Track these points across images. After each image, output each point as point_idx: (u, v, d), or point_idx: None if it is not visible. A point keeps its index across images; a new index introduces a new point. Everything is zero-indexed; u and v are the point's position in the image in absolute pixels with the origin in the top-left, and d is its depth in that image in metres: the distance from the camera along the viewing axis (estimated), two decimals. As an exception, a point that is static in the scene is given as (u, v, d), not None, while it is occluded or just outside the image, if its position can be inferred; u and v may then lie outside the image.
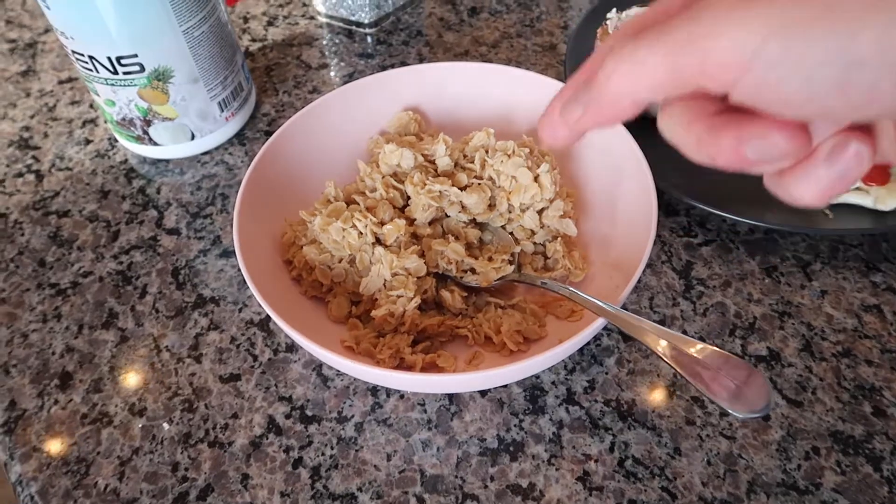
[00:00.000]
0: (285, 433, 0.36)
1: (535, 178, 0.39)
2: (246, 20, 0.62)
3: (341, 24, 0.60)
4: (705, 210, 0.41)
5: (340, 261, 0.38)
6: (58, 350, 0.40)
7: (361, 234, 0.38)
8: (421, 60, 0.56)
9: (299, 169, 0.43)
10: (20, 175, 0.50)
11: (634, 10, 0.52)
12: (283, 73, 0.56)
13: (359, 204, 0.40)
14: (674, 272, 0.41)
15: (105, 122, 0.54)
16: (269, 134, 0.51)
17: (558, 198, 0.40)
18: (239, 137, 0.51)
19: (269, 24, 0.61)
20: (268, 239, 0.40)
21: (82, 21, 0.41)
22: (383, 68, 0.56)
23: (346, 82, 0.55)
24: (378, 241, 0.38)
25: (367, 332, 0.37)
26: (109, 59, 0.43)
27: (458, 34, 0.59)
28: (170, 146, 0.48)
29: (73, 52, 0.43)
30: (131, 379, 0.39)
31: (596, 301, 0.33)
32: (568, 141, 0.21)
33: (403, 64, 0.56)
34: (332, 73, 0.56)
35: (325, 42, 0.59)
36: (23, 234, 0.47)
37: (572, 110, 0.20)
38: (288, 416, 0.37)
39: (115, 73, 0.43)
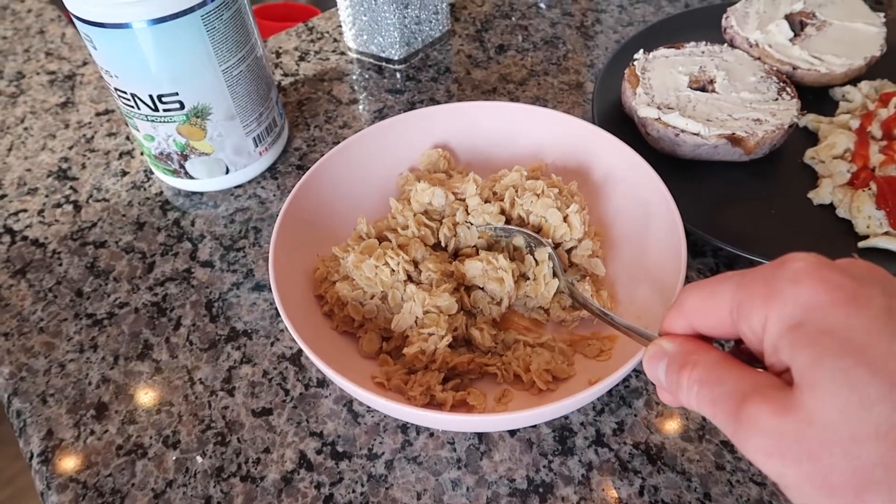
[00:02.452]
0: (316, 469, 0.36)
1: (565, 218, 0.40)
2: (278, 55, 0.64)
3: (371, 60, 0.61)
4: (732, 252, 0.41)
5: (372, 297, 0.39)
6: (94, 380, 0.41)
7: (394, 271, 0.38)
8: (449, 97, 0.58)
9: (331, 205, 0.44)
10: (59, 205, 0.52)
11: (661, 51, 0.53)
12: (315, 107, 0.58)
13: (391, 241, 0.40)
14: (702, 314, 0.41)
15: (141, 153, 0.55)
16: (300, 168, 0.53)
17: (587, 237, 0.40)
18: (271, 171, 0.52)
19: (301, 59, 0.63)
20: (300, 274, 0.40)
21: (127, 61, 0.42)
22: (412, 104, 0.57)
23: (375, 118, 0.56)
24: (410, 278, 0.39)
25: (398, 369, 0.37)
26: (151, 97, 0.44)
27: (485, 71, 0.60)
28: (205, 180, 0.50)
29: (117, 89, 0.45)
30: (165, 411, 0.39)
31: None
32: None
33: (432, 100, 0.57)
34: (362, 109, 0.57)
35: (355, 77, 0.61)
36: (61, 264, 0.48)
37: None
38: (319, 452, 0.37)
39: (156, 110, 0.45)
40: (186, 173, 0.49)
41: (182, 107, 0.45)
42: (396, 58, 0.60)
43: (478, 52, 0.62)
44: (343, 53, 0.63)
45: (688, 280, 0.43)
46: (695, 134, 0.46)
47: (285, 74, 0.61)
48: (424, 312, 0.37)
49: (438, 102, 0.57)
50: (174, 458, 0.37)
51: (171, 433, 0.38)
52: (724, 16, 0.57)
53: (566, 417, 0.37)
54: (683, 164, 0.48)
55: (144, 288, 0.46)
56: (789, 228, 0.44)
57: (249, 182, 0.52)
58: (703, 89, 0.50)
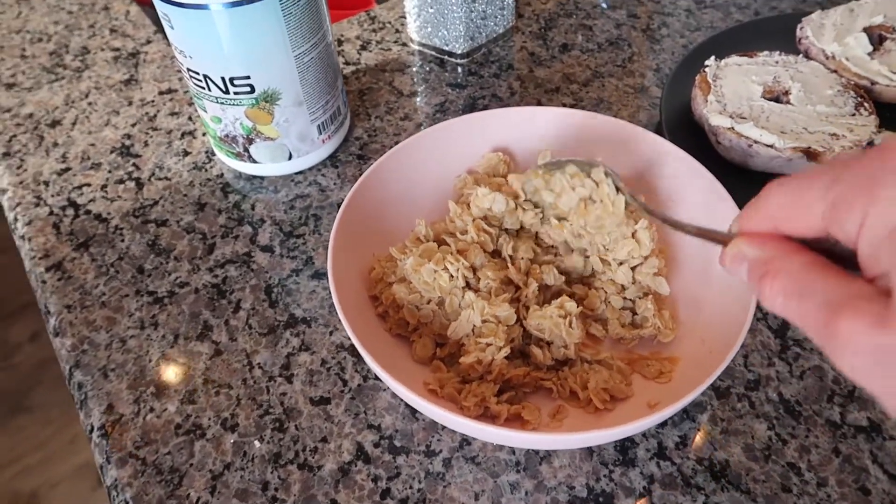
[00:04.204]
0: (374, 462, 0.36)
1: (633, 234, 0.39)
2: (340, 43, 0.64)
3: (433, 53, 0.61)
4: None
5: (429, 302, 0.39)
6: (154, 358, 0.41)
7: (453, 277, 0.38)
8: (511, 94, 0.57)
9: (389, 205, 0.43)
10: (121, 182, 0.52)
11: (734, 59, 0.52)
12: (376, 97, 0.58)
13: (449, 245, 0.40)
14: (769, 331, 0.40)
15: (203, 134, 0.55)
16: (360, 158, 0.52)
17: (654, 255, 0.40)
18: (332, 159, 0.52)
19: (363, 48, 0.63)
20: (356, 272, 0.40)
21: (202, 42, 0.42)
22: (473, 99, 0.57)
23: (436, 111, 0.56)
24: (469, 285, 0.39)
25: (451, 377, 0.37)
26: (223, 79, 0.44)
27: (548, 70, 0.59)
28: (268, 164, 0.50)
29: (189, 69, 0.45)
30: (224, 393, 0.40)
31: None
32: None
33: (494, 96, 0.57)
34: (423, 101, 0.57)
35: (416, 69, 0.60)
36: (123, 240, 0.48)
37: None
38: (377, 445, 0.37)
39: (227, 92, 0.45)
40: (250, 157, 0.49)
41: (252, 90, 0.45)
42: (459, 52, 0.59)
43: (541, 50, 0.61)
44: (405, 45, 0.63)
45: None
46: (769, 146, 0.45)
47: (347, 63, 0.61)
48: (483, 321, 0.37)
49: (500, 99, 0.57)
50: (232, 440, 0.38)
51: (230, 416, 0.39)
52: (800, 26, 0.55)
53: (627, 427, 0.37)
54: (755, 176, 0.47)
55: (205, 269, 0.46)
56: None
57: (310, 169, 0.52)
58: (777, 100, 0.49)
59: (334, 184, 0.51)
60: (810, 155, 0.44)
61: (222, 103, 0.46)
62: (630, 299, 0.40)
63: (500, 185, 0.43)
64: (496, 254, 0.41)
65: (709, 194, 0.40)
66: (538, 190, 0.40)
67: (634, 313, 0.40)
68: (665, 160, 0.43)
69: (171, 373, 0.41)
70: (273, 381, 0.40)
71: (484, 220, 0.42)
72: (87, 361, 0.41)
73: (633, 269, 0.40)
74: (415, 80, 0.59)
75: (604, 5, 0.66)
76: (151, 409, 0.39)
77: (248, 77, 0.44)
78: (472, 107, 0.56)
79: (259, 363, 0.41)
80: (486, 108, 0.56)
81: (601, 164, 0.38)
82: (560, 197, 0.39)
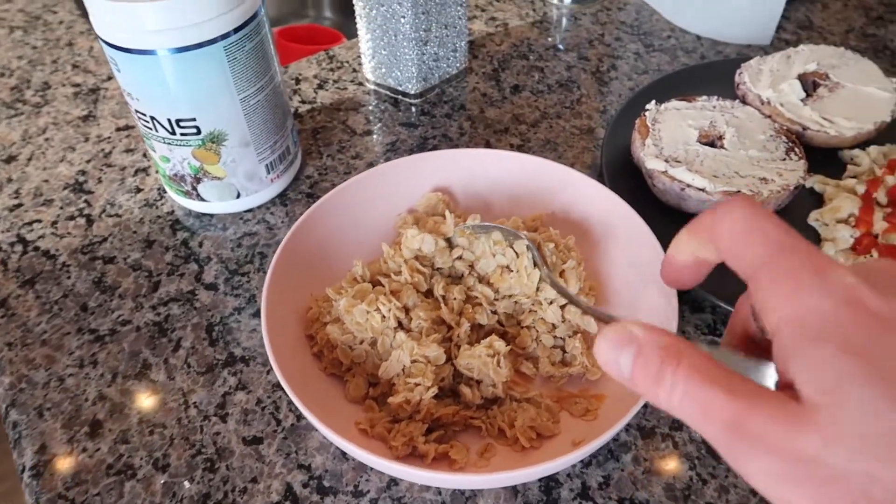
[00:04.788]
0: (301, 502, 0.37)
1: (561, 273, 0.40)
2: (297, 81, 0.65)
3: (388, 93, 0.63)
4: (730, 310, 0.41)
5: (362, 342, 0.39)
6: (91, 397, 0.42)
7: (384, 317, 0.39)
8: (461, 134, 0.58)
9: (331, 244, 0.44)
10: (72, 218, 0.53)
11: (674, 103, 0.53)
12: (329, 136, 0.59)
13: (384, 286, 0.41)
14: (697, 371, 0.41)
15: (156, 171, 0.56)
16: (310, 196, 0.53)
17: (581, 293, 0.41)
18: (281, 198, 0.53)
19: (320, 86, 0.64)
20: (294, 311, 0.41)
21: (149, 86, 0.43)
22: (424, 139, 0.58)
23: (387, 150, 0.57)
24: (401, 325, 0.39)
25: (383, 416, 0.38)
26: (169, 120, 0.45)
27: (499, 110, 0.61)
28: (216, 203, 0.51)
29: (137, 111, 0.46)
30: (158, 433, 0.40)
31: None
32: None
33: (445, 136, 0.58)
34: (375, 141, 0.58)
35: (371, 108, 0.62)
36: (69, 277, 0.49)
37: None
38: (305, 486, 0.37)
39: (174, 133, 0.46)
40: (198, 195, 0.50)
41: (199, 132, 0.46)
42: (413, 92, 0.61)
43: (493, 91, 0.63)
44: (361, 84, 0.64)
45: (682, 335, 0.43)
46: (700, 189, 0.46)
47: (303, 101, 0.63)
48: (412, 361, 0.37)
49: (450, 139, 0.58)
50: (162, 481, 0.38)
51: (162, 456, 0.39)
52: (738, 72, 0.57)
53: (553, 468, 0.38)
54: (688, 218, 0.48)
55: (148, 307, 0.46)
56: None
57: (259, 207, 0.53)
58: (712, 144, 0.51)
59: (282, 222, 0.52)
60: (739, 199, 0.46)
61: (169, 144, 0.47)
62: (560, 338, 0.41)
63: (437, 225, 0.45)
64: (430, 293, 0.42)
65: (637, 237, 0.42)
66: (463, 248, 0.42)
67: (565, 351, 0.41)
68: (598, 202, 0.45)
69: (106, 412, 0.41)
70: (207, 421, 0.40)
71: (417, 260, 0.42)
72: (24, 400, 0.42)
73: (562, 307, 0.41)
74: (369, 119, 0.61)
75: (560, 47, 0.68)
76: (84, 450, 0.39)
77: (193, 119, 0.45)
78: (422, 146, 0.57)
79: (195, 402, 0.41)
80: (435, 147, 0.57)
81: (525, 238, 0.40)
82: (479, 260, 0.41)
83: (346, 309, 0.39)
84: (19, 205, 0.54)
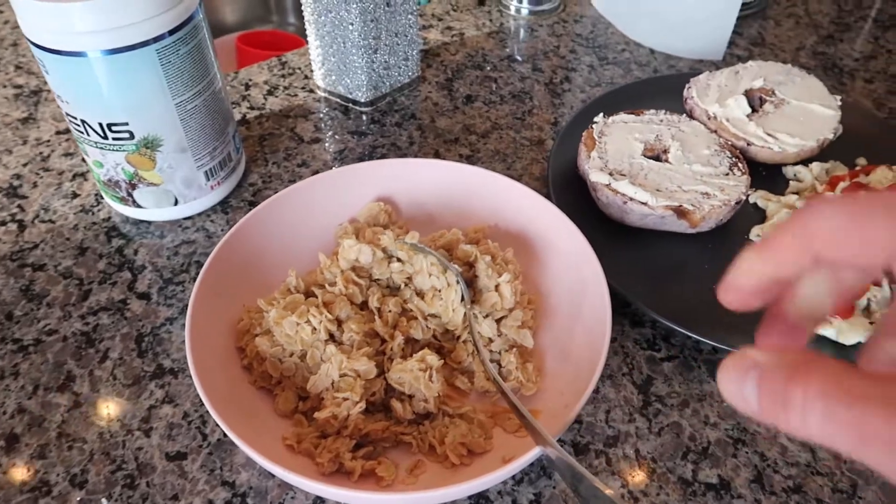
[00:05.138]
0: (223, 521, 0.35)
1: (496, 287, 0.40)
2: (248, 87, 0.64)
3: (338, 101, 0.62)
4: (671, 326, 0.41)
5: (291, 355, 0.38)
6: (9, 409, 0.40)
7: (315, 329, 0.38)
8: (410, 143, 0.58)
9: (267, 253, 0.43)
10: (3, 223, 0.51)
11: (622, 116, 0.53)
12: (276, 143, 0.58)
13: (317, 297, 0.40)
14: (633, 386, 0.41)
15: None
16: (252, 204, 0.52)
17: (518, 307, 0.40)
18: (223, 205, 0.52)
19: (270, 93, 0.63)
20: (225, 322, 0.40)
21: (79, 88, 0.42)
22: (372, 148, 0.57)
23: (334, 159, 0.56)
24: (333, 338, 0.39)
25: (311, 431, 0.37)
26: (101, 124, 0.44)
27: (450, 120, 0.60)
28: (153, 209, 0.49)
29: (67, 114, 0.44)
30: (77, 448, 0.38)
31: (542, 432, 0.32)
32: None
33: (394, 145, 0.58)
34: (323, 148, 0.57)
35: (320, 116, 0.61)
36: (-5, 284, 0.47)
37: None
38: (229, 503, 0.36)
39: (105, 137, 0.45)
40: (134, 202, 0.49)
41: (132, 136, 0.45)
42: (363, 100, 0.60)
43: (445, 101, 0.62)
44: (312, 91, 0.64)
45: (622, 350, 0.43)
46: (642, 203, 0.46)
47: (252, 107, 0.62)
48: (341, 375, 0.37)
49: (399, 148, 0.57)
50: (78, 498, 0.36)
51: (80, 471, 0.37)
52: (687, 86, 0.58)
53: (484, 485, 0.37)
54: (632, 231, 0.48)
55: (76, 316, 0.45)
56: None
57: (199, 215, 0.51)
58: (657, 158, 0.51)
59: (222, 230, 0.50)
60: (680, 213, 0.46)
61: (102, 148, 0.45)
62: (496, 352, 0.40)
63: (377, 236, 0.44)
64: (365, 305, 0.41)
65: (577, 250, 0.41)
66: (402, 261, 0.41)
67: (500, 366, 0.40)
68: (540, 215, 0.44)
69: (24, 426, 0.39)
70: (130, 435, 0.39)
71: (353, 270, 0.42)
72: (-62, 413, 0.40)
73: (497, 321, 0.40)
74: (318, 126, 0.60)
75: (517, 58, 0.68)
76: (-2, 465, 0.38)
77: (126, 123, 0.44)
78: (370, 155, 0.57)
79: (119, 416, 0.40)
80: (384, 156, 0.56)
81: (456, 272, 0.40)
82: (418, 275, 0.40)
83: (275, 320, 0.38)
84: (-51, 209, 0.52)
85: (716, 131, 0.53)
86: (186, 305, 0.45)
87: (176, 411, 0.40)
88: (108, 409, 0.40)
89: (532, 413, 0.38)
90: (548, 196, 0.45)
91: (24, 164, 0.56)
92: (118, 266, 0.48)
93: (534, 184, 0.54)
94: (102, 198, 0.53)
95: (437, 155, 0.57)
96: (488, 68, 0.67)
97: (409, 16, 0.58)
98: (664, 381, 0.41)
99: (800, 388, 0.16)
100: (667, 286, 0.45)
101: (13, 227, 0.51)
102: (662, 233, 0.48)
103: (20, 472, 0.37)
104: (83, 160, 0.56)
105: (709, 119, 0.54)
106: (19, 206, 0.52)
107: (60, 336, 0.44)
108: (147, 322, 0.45)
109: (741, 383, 0.17)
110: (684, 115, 0.55)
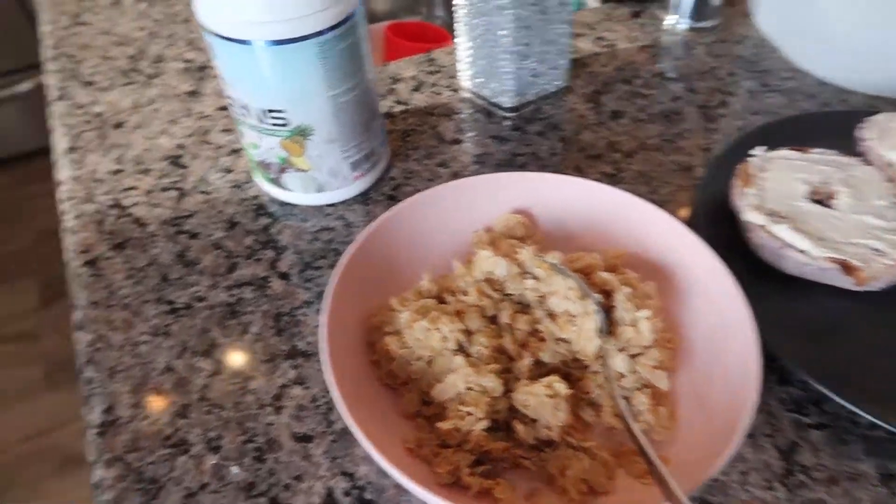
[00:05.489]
0: (340, 510, 0.37)
1: (634, 322, 0.38)
2: (395, 81, 0.65)
3: (482, 103, 0.62)
4: (823, 391, 0.38)
5: (419, 359, 0.39)
6: (159, 367, 0.43)
7: (445, 338, 0.38)
8: (552, 154, 0.57)
9: (402, 252, 0.44)
10: (166, 189, 0.55)
11: (785, 152, 0.50)
12: (418, 140, 0.59)
13: (448, 304, 0.40)
14: (775, 450, 0.38)
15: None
16: (391, 198, 0.53)
17: (655, 346, 0.39)
18: (363, 196, 0.54)
19: (416, 89, 0.64)
20: (358, 315, 0.41)
21: (243, 74, 0.44)
22: (513, 155, 0.57)
23: (474, 162, 0.56)
24: (461, 348, 0.39)
25: (432, 438, 0.37)
26: (260, 109, 0.46)
27: (595, 135, 0.59)
28: (299, 194, 0.51)
29: (230, 97, 0.47)
30: (215, 413, 0.41)
31: (672, 486, 0.31)
32: None
33: (534, 155, 0.57)
34: (463, 150, 0.58)
35: (463, 117, 0.61)
36: (155, 247, 0.51)
37: None
38: (347, 494, 0.37)
39: (263, 122, 0.47)
40: (282, 185, 0.51)
41: (286, 124, 0.46)
42: (507, 105, 0.60)
43: (591, 114, 0.61)
44: (456, 91, 0.64)
45: (766, 408, 0.40)
46: (801, 251, 0.43)
47: (398, 102, 0.63)
48: (467, 388, 0.37)
49: (540, 158, 0.57)
50: (213, 462, 0.39)
51: (216, 437, 0.40)
52: (861, 125, 0.53)
53: (600, 522, 0.36)
54: (786, 279, 0.45)
55: (223, 287, 0.48)
56: (894, 377, 0.40)
57: (341, 203, 0.53)
58: (822, 203, 0.47)
59: (360, 220, 0.52)
60: (846, 268, 0.42)
61: (259, 132, 0.48)
62: (628, 389, 0.39)
63: (513, 248, 0.43)
64: (496, 319, 0.41)
65: (723, 292, 0.39)
66: (539, 278, 0.40)
67: (631, 405, 0.39)
68: (685, 249, 0.42)
69: (171, 384, 0.42)
70: (263, 410, 0.41)
71: (488, 282, 0.42)
72: (100, 359, 0.44)
73: (632, 357, 0.39)
74: (460, 127, 0.60)
75: (669, 75, 0.65)
76: (146, 417, 0.41)
77: (283, 111, 0.46)
78: (510, 162, 0.56)
79: (253, 389, 0.42)
80: (523, 165, 0.56)
81: (596, 300, 0.39)
82: (553, 296, 0.39)
83: (407, 323, 0.39)
84: (121, 170, 0.57)
85: (893, 181, 0.49)
86: (322, 291, 0.47)
87: (306, 394, 0.42)
88: (245, 381, 0.42)
89: (662, 460, 0.37)
90: (693, 227, 0.43)
91: (188, 136, 0.60)
92: (263, 244, 0.50)
93: (678, 212, 0.51)
94: (251, 176, 0.56)
95: (578, 170, 0.55)
96: (638, 83, 0.64)
97: (563, 25, 0.57)
98: (811, 450, 0.38)
99: None
100: (822, 345, 0.41)
101: (174, 194, 0.55)
102: (822, 285, 0.44)
103: (165, 428, 0.40)
104: (238, 138, 0.60)
105: (887, 167, 0.50)
106: (181, 174, 0.56)
107: (208, 304, 0.47)
108: (286, 302, 0.47)
109: None
110: (857, 157, 0.50)
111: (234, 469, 0.38)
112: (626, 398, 0.39)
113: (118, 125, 0.62)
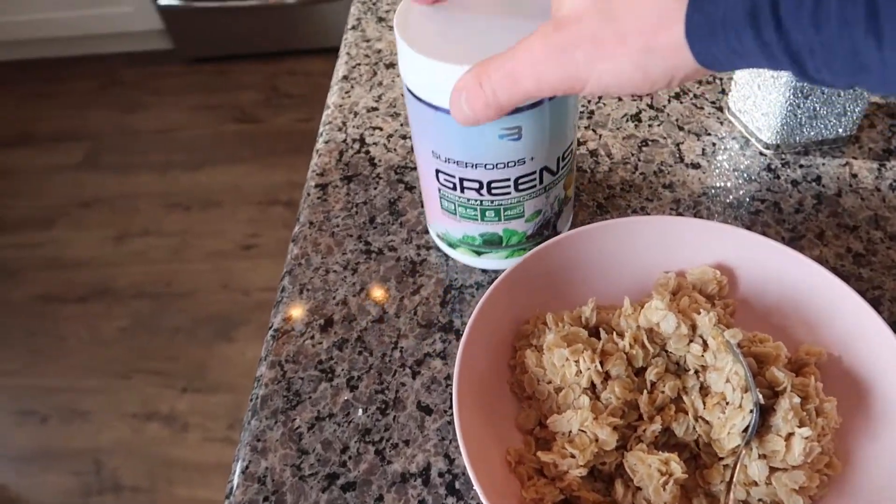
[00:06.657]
0: (430, 488, 0.39)
1: (788, 435, 0.33)
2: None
3: (741, 129, 0.55)
4: None
5: (550, 382, 0.38)
6: (338, 298, 0.49)
7: (580, 373, 0.37)
8: (797, 212, 0.49)
9: (582, 267, 0.43)
10: (404, 137, 0.60)
11: None
12: (655, 152, 0.55)
13: (598, 340, 0.38)
14: None
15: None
16: (599, 206, 0.51)
17: (804, 469, 0.33)
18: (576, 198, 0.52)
19: (676, 96, 0.59)
20: (514, 316, 0.42)
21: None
22: (751, 199, 0.50)
23: (702, 195, 0.51)
24: (593, 387, 0.37)
25: (532, 460, 0.37)
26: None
27: (860, 201, 0.49)
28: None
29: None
30: (364, 356, 0.45)
31: None
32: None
33: (776, 206, 0.50)
34: (697, 178, 0.52)
35: (714, 140, 0.55)
36: (376, 188, 0.56)
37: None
38: (441, 475, 0.39)
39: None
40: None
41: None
42: (766, 140, 0.52)
43: (867, 176, 0.51)
44: (720, 109, 0.58)
45: None
46: None
47: (649, 106, 0.59)
48: (580, 430, 0.35)
49: (780, 212, 0.49)
50: (345, 398, 0.43)
51: (357, 377, 0.44)
52: None
53: None
54: None
55: (415, 244, 0.51)
56: None
57: (546, 198, 0.53)
58: None
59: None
60: None
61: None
62: (757, 500, 0.34)
63: (694, 306, 0.39)
64: (642, 372, 0.38)
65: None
66: (708, 347, 0.36)
67: (753, 516, 0.34)
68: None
69: (340, 317, 0.48)
70: (402, 370, 0.44)
71: (649, 332, 0.39)
72: (297, 274, 0.51)
73: (773, 470, 0.34)
74: (704, 150, 0.54)
75: None
76: (312, 337, 0.47)
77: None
78: (743, 205, 0.50)
79: (402, 347, 0.45)
80: (756, 213, 0.49)
81: (756, 400, 0.35)
82: (713, 372, 0.35)
83: (549, 345, 0.38)
84: (375, 108, 0.63)
85: None
86: (494, 280, 0.48)
87: (443, 369, 0.44)
88: (399, 338, 0.46)
89: None
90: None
91: (439, 92, 0.63)
92: (462, 215, 0.53)
93: (930, 328, 0.41)
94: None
95: (819, 236, 0.47)
96: (955, 153, 0.52)
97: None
98: None
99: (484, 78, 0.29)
100: None
101: (408, 143, 0.59)
102: None
103: (322, 353, 0.46)
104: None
105: None
106: (419, 128, 0.60)
107: (396, 255, 0.51)
108: (460, 277, 0.49)
109: (458, 102, 0.31)
110: None
111: (360, 412, 0.42)
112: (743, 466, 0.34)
113: (390, 65, 0.67)
